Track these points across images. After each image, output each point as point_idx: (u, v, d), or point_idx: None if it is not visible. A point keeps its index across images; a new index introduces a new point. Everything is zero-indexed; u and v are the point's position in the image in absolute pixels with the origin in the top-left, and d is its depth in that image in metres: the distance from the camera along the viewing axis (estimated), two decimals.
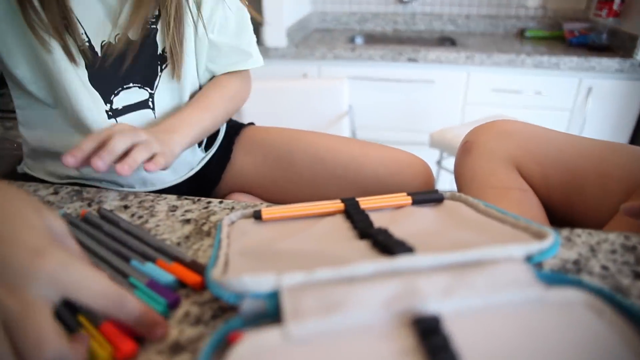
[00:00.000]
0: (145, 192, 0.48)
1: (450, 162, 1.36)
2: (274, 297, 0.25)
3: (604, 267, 0.36)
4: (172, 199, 0.46)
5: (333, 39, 2.09)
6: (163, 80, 0.60)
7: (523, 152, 0.62)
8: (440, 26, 2.32)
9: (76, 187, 0.49)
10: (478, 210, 0.39)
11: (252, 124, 0.78)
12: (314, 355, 0.22)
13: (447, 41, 2.14)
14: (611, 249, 0.38)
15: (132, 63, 0.55)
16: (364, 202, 0.41)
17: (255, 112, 1.30)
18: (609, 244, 0.39)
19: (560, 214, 0.61)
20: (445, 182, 1.98)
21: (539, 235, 0.31)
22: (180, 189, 0.67)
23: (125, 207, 0.45)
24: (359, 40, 2.05)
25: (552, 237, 0.29)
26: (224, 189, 0.73)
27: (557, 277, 0.27)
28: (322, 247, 0.33)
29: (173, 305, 0.32)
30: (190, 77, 0.62)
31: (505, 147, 0.63)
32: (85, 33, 0.51)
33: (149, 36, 0.56)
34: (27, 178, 0.63)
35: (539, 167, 0.61)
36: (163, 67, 0.59)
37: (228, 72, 0.68)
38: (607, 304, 0.25)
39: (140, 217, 0.43)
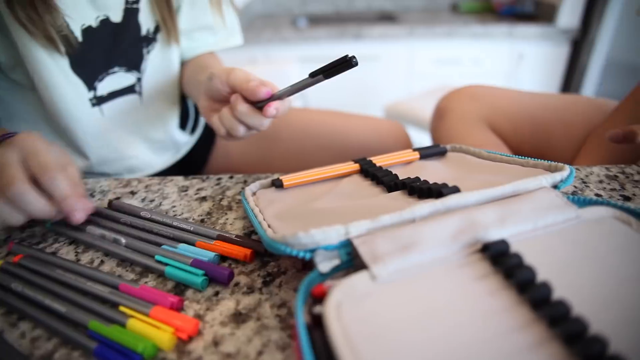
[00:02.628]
0: (147, 176, 0.46)
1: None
2: (346, 247, 0.26)
3: (598, 195, 0.40)
4: (179, 180, 0.45)
5: (277, 23, 2.06)
6: (150, 63, 0.57)
7: (494, 112, 0.67)
8: (379, 5, 2.36)
9: None
10: (482, 156, 0.42)
11: None
12: (404, 289, 0.23)
13: (387, 19, 2.19)
14: (598, 179, 0.43)
15: (116, 46, 0.52)
16: (377, 161, 0.43)
17: None
18: (596, 176, 0.43)
19: None
20: None
21: (553, 169, 0.34)
22: (164, 174, 0.65)
23: (132, 192, 0.43)
24: (302, 22, 2.05)
25: (567, 167, 0.32)
26: (211, 172, 0.72)
27: (583, 200, 0.30)
28: (359, 202, 0.34)
29: (229, 279, 0.32)
30: (177, 57, 0.60)
31: (477, 108, 0.68)
32: (64, 17, 0.47)
33: (131, 17, 0.53)
34: None
35: (509, 123, 0.66)
36: (149, 49, 0.56)
37: (209, 53, 0.66)
38: (631, 216, 0.28)
39: (151, 200, 0.42)
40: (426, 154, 0.44)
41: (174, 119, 0.66)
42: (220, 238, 0.36)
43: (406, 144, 0.73)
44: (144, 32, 0.55)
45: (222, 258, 0.34)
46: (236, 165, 0.71)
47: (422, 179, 0.35)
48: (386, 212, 0.28)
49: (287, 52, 1.92)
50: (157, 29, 0.56)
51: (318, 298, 0.24)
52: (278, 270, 0.33)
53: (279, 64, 1.60)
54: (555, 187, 0.31)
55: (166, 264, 0.33)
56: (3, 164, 0.33)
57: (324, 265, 0.26)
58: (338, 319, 0.22)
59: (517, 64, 1.96)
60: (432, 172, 0.40)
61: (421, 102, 1.51)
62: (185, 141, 0.68)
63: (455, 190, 0.29)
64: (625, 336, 0.21)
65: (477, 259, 0.25)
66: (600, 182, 0.42)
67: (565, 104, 0.63)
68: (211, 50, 0.65)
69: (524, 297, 0.23)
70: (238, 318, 0.29)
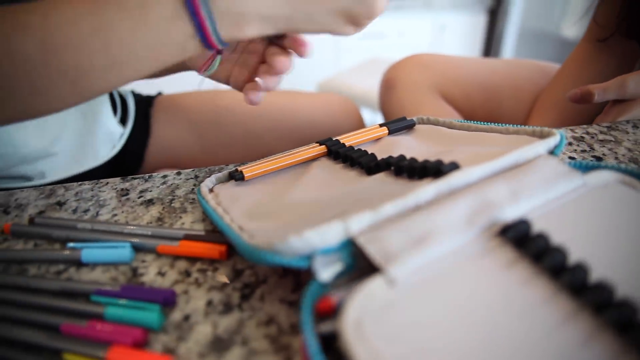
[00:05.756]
0: (78, 182, 0.38)
1: None
2: (348, 247, 0.22)
3: (572, 158, 0.39)
4: (116, 182, 0.37)
5: None
6: None
7: (444, 80, 0.65)
8: None
9: None
10: (454, 127, 0.39)
11: (160, 94, 0.68)
12: (429, 293, 0.19)
13: None
14: (567, 142, 0.42)
15: None
16: (344, 140, 0.39)
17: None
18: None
19: None
20: None
21: (539, 134, 0.32)
22: (100, 175, 0.56)
23: (59, 204, 0.35)
24: None
25: (556, 132, 0.30)
26: (150, 169, 0.63)
27: (585, 165, 0.28)
28: (341, 190, 0.30)
29: (169, 301, 0.26)
30: None
31: (427, 77, 0.66)
32: None
33: None
34: None
35: (460, 90, 0.65)
36: None
37: None
38: (634, 178, 0.27)
39: (85, 211, 0.34)
40: (395, 128, 0.41)
41: (105, 107, 0.57)
42: (187, 237, 0.30)
43: (358, 119, 0.69)
44: None
45: (192, 261, 0.29)
46: (177, 158, 0.63)
47: (408, 157, 0.31)
48: (383, 200, 0.24)
49: None
50: None
51: (324, 314, 0.20)
52: (256, 279, 0.28)
53: None
54: (551, 153, 0.29)
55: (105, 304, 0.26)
56: None
57: (326, 272, 0.21)
58: (362, 340, 0.17)
59: (439, 34, 2.01)
60: (408, 147, 0.36)
61: (354, 76, 1.49)
62: (120, 133, 0.59)
63: (455, 166, 0.26)
64: None
65: (497, 244, 0.22)
66: (570, 144, 0.42)
67: (513, 69, 0.63)
68: None
69: (561, 283, 0.20)
70: (219, 345, 0.24)
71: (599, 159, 0.39)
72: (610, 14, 0.53)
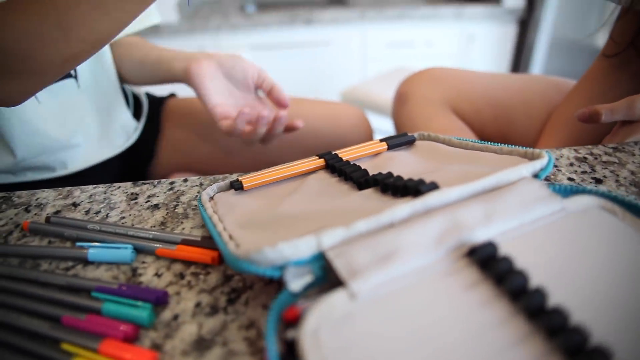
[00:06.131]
0: (93, 185, 0.41)
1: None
2: (319, 260, 0.23)
3: (570, 179, 0.39)
4: (127, 186, 0.40)
5: (225, 9, 1.97)
6: None
7: (455, 94, 0.66)
8: None
9: (1, 194, 0.40)
10: (453, 144, 0.40)
11: (173, 95, 0.72)
12: (388, 308, 0.21)
13: (337, 3, 2.15)
14: (569, 162, 0.42)
15: None
16: (342, 154, 0.40)
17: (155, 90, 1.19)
18: (566, 159, 0.43)
19: None
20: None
21: (530, 156, 0.32)
22: (112, 168, 0.60)
23: (74, 204, 0.38)
24: (250, 8, 1.97)
25: (545, 154, 0.31)
26: (161, 168, 0.67)
27: (566, 189, 0.28)
28: (329, 204, 0.31)
29: (161, 301, 0.28)
30: None
31: (439, 92, 0.66)
32: None
33: None
34: None
35: (471, 106, 0.65)
36: None
37: (134, 36, 0.62)
38: (615, 204, 0.27)
39: (97, 212, 0.37)
40: (394, 144, 0.42)
41: (120, 101, 0.61)
42: (184, 242, 0.32)
43: (367, 131, 0.70)
44: None
45: (187, 264, 0.31)
46: (188, 161, 0.66)
47: (394, 174, 0.32)
48: (361, 216, 0.25)
49: (237, 39, 1.84)
50: None
51: (291, 322, 0.21)
52: (244, 284, 0.29)
53: (229, 53, 1.53)
54: (535, 176, 0.29)
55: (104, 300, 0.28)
56: None
57: (296, 283, 0.23)
58: (316, 348, 0.19)
59: (467, 44, 1.99)
60: (403, 164, 0.37)
61: (378, 85, 1.49)
62: (134, 127, 0.63)
63: (434, 186, 0.27)
64: (626, 338, 0.19)
65: (464, 265, 0.23)
66: (571, 165, 0.41)
67: (525, 85, 0.63)
68: (131, 32, 0.60)
69: (519, 306, 0.21)
70: (201, 344, 0.25)
71: (599, 181, 0.39)
72: (627, 31, 0.53)
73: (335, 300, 0.20)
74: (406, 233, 0.23)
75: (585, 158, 0.42)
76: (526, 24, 1.93)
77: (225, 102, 0.52)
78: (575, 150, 0.44)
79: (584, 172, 0.40)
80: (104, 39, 0.35)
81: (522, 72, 2.05)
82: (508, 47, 2.02)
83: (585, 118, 0.44)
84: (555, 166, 0.41)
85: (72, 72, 0.54)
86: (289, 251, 0.23)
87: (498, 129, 0.64)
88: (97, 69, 0.57)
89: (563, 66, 1.97)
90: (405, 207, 0.25)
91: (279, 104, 0.50)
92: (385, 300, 0.21)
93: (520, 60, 2.03)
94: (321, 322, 0.20)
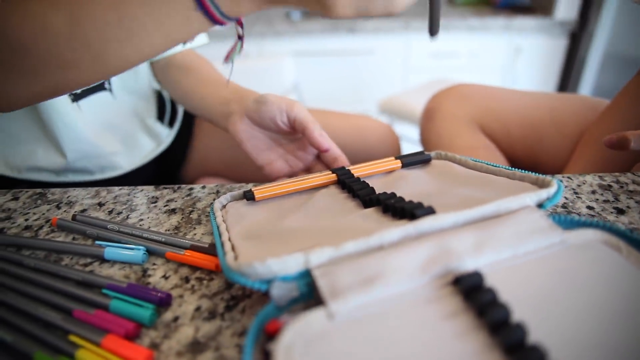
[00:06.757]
0: (119, 187, 0.44)
1: (400, 127, 1.39)
2: (305, 277, 0.24)
3: (590, 207, 0.38)
4: (149, 190, 0.42)
5: (269, 16, 2.02)
6: None
7: (484, 112, 0.64)
8: None
9: (38, 190, 0.44)
10: (468, 166, 0.39)
11: None
12: (364, 330, 0.21)
13: None
14: (591, 189, 0.40)
15: None
16: (355, 170, 0.40)
17: None
18: (588, 186, 0.41)
19: (523, 165, 0.64)
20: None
21: (540, 184, 0.31)
22: (146, 172, 0.64)
23: (100, 204, 0.41)
24: (295, 15, 2.01)
25: (555, 183, 0.30)
26: (191, 173, 0.70)
27: (570, 221, 0.28)
28: (330, 221, 0.32)
29: (164, 303, 0.30)
30: None
31: (467, 109, 0.65)
32: None
33: None
34: None
35: (499, 124, 0.64)
36: None
37: (188, 51, 0.64)
38: (620, 239, 0.26)
39: (119, 213, 0.39)
40: (408, 162, 0.42)
41: (151, 112, 0.65)
42: (193, 248, 0.34)
43: (394, 145, 0.70)
44: None
45: (193, 269, 0.33)
46: (216, 168, 0.69)
47: (398, 195, 0.32)
48: (355, 236, 0.25)
49: (281, 46, 1.88)
50: None
51: (272, 335, 0.22)
52: (243, 293, 0.31)
53: (272, 59, 1.56)
54: (540, 205, 0.29)
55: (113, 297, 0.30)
56: None
57: (280, 298, 0.23)
58: None
59: (514, 57, 1.93)
60: (412, 184, 0.37)
61: (416, 96, 1.48)
62: (166, 134, 0.67)
63: (430, 211, 0.27)
64: None
65: (447, 293, 0.23)
66: (593, 192, 0.40)
67: (557, 103, 0.61)
68: (178, 51, 0.62)
69: (497, 340, 0.20)
70: (196, 347, 0.27)
71: (621, 211, 0.37)
72: None
73: (312, 318, 0.21)
74: (393, 257, 0.24)
75: (610, 186, 0.41)
76: (578, 38, 1.85)
77: (269, 156, 0.50)
78: (600, 177, 0.42)
79: (605, 201, 0.38)
80: (127, 68, 0.36)
81: (572, 89, 1.96)
82: (557, 62, 1.94)
83: (613, 144, 0.42)
84: (576, 193, 0.40)
85: (107, 85, 0.57)
86: (277, 267, 0.24)
87: (527, 148, 0.62)
88: (131, 82, 0.61)
89: (616, 83, 1.87)
90: (396, 230, 0.25)
91: (316, 148, 0.45)
92: (363, 322, 0.21)
93: (569, 75, 1.94)
94: (296, 338, 0.20)
